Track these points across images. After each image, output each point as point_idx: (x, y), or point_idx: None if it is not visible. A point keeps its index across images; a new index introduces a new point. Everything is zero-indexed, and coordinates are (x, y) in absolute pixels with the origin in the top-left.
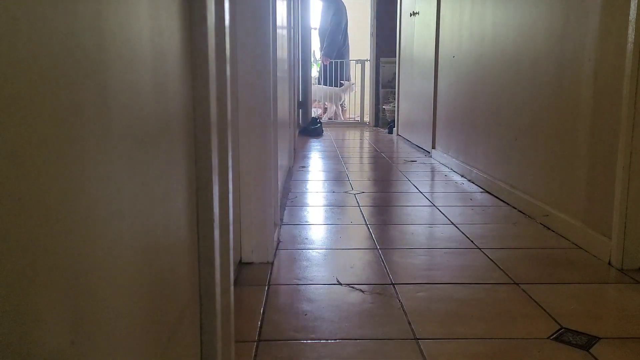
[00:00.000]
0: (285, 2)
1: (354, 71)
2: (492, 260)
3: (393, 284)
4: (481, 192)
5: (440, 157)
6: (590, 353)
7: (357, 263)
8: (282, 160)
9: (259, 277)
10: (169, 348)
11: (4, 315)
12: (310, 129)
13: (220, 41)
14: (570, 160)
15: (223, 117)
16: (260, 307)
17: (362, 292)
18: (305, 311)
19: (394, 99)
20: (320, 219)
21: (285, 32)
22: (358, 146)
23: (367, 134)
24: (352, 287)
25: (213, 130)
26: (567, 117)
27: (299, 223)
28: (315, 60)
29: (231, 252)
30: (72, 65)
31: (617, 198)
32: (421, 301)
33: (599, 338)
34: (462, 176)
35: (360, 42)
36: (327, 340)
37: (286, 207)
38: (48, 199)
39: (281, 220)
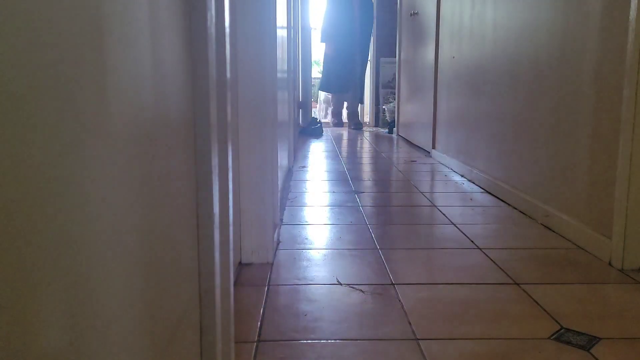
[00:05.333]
0: (285, 2)
1: None
2: (492, 260)
3: (393, 284)
4: (481, 192)
5: (440, 157)
6: (590, 353)
7: (357, 263)
8: (282, 160)
9: (259, 278)
10: (169, 348)
11: (3, 315)
12: (310, 129)
13: (220, 41)
14: (571, 160)
15: (223, 118)
16: (260, 307)
17: (362, 292)
18: (305, 311)
19: (394, 99)
20: (320, 219)
21: (285, 32)
22: (358, 146)
23: (367, 134)
24: (352, 287)
25: (213, 130)
26: (567, 116)
27: (299, 223)
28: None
29: (231, 252)
30: (72, 65)
31: (617, 198)
32: (421, 301)
33: (600, 338)
34: (462, 176)
35: None
36: (327, 340)
37: (286, 207)
38: (48, 200)
39: (281, 220)
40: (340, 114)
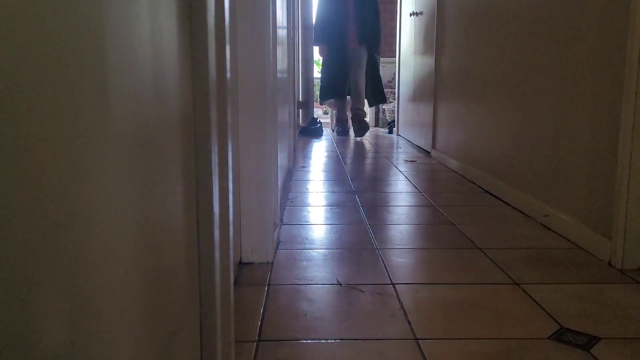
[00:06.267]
0: (285, 2)
1: None
2: (492, 260)
3: (393, 284)
4: (481, 192)
5: (440, 157)
6: (590, 353)
7: (357, 263)
8: (282, 160)
9: (259, 277)
10: (169, 348)
11: (4, 315)
12: (310, 129)
13: (220, 41)
14: (570, 160)
15: (223, 117)
16: (260, 307)
17: (362, 292)
18: (305, 311)
19: (394, 99)
20: (320, 219)
21: (285, 32)
22: (358, 146)
23: (367, 134)
24: (352, 287)
25: (213, 130)
26: (567, 117)
27: (299, 223)
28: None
29: (231, 252)
30: (72, 65)
31: (617, 198)
32: (421, 301)
33: (600, 338)
34: (462, 176)
35: None
36: (327, 340)
37: (286, 207)
38: (48, 200)
39: (281, 220)
40: (345, 121)
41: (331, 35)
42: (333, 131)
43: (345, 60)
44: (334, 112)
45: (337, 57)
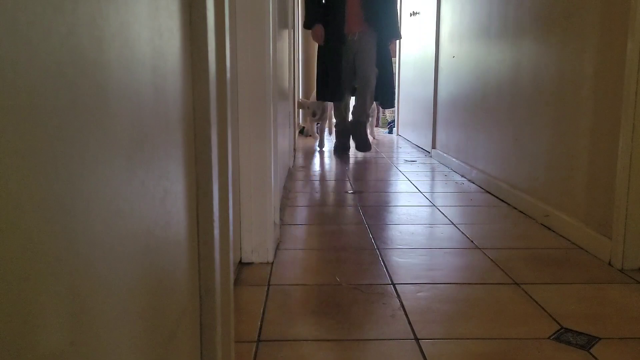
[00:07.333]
0: (285, 2)
1: None
2: (492, 260)
3: (393, 284)
4: (481, 192)
5: (440, 157)
6: (590, 353)
7: (357, 263)
8: (282, 160)
9: (259, 277)
10: (169, 348)
11: (3, 315)
12: None
13: (220, 41)
14: (570, 160)
15: (223, 117)
16: (260, 307)
17: (362, 292)
18: (305, 311)
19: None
20: (320, 219)
21: (285, 31)
22: None
23: None
24: (352, 287)
25: (213, 130)
26: (567, 117)
27: (299, 223)
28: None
29: (231, 252)
30: (71, 65)
31: (617, 198)
32: (421, 301)
33: (600, 338)
34: (462, 176)
35: None
36: (327, 340)
37: (286, 207)
38: (47, 199)
39: (281, 220)
40: (346, 135)
41: (327, 14)
42: (318, 150)
43: (343, 48)
44: (317, 125)
45: (333, 45)
